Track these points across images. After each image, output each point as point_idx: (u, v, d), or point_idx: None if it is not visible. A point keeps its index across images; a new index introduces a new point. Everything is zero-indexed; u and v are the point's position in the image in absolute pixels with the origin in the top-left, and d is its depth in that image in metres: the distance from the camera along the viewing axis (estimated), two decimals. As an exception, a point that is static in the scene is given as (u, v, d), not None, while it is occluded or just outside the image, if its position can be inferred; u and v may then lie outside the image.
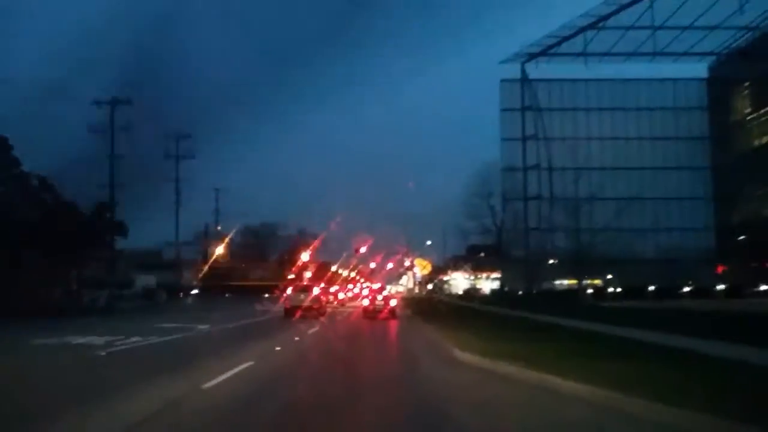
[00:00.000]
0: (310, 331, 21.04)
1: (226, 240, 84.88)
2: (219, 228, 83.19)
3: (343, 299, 48.55)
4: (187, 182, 59.84)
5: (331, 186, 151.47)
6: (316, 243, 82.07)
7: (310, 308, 32.12)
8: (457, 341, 14.77)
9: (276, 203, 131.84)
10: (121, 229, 41.46)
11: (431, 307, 40.58)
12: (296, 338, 17.80)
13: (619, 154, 63.14)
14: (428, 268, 40.10)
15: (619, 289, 53.30)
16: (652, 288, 53.44)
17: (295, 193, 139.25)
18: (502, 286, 57.78)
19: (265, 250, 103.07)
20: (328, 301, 39.11)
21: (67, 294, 40.88)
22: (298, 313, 30.82)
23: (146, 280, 58.64)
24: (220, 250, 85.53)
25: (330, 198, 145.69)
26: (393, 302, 34.71)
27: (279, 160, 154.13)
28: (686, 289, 52.78)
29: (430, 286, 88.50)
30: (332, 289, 47.22)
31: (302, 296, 32.75)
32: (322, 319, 31.08)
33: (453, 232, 61.58)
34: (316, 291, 33.70)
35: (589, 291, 51.01)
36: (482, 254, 78.40)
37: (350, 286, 63.27)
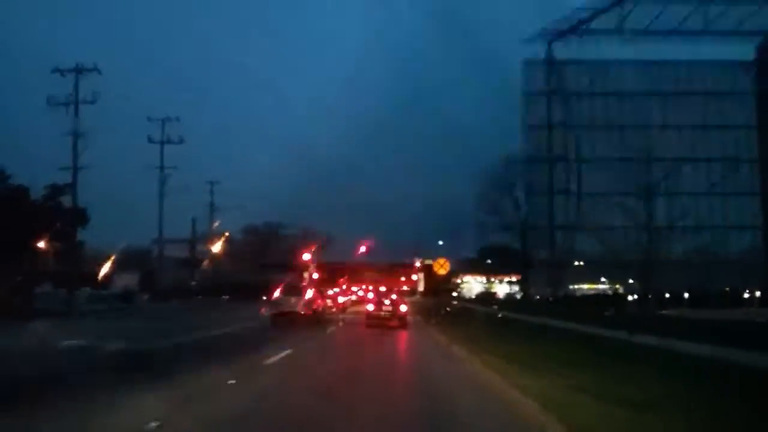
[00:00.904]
0: (270, 361, 12.84)
1: (223, 238, 77.98)
2: (217, 224, 76.31)
3: (344, 303, 40.59)
4: (178, 171, 52.74)
5: (337, 184, 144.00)
6: (316, 242, 74.76)
7: (301, 316, 24.76)
8: (552, 405, 7.14)
9: (281, 202, 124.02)
10: (79, 217, 34.06)
11: (448, 314, 33.01)
12: (231, 381, 9.80)
13: (655, 145, 55.05)
14: (446, 267, 31.94)
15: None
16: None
17: (300, 191, 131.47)
18: (524, 290, 49.76)
19: (268, 251, 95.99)
20: (325, 306, 31.39)
21: (14, 292, 33.56)
22: (289, 322, 23.59)
23: (126, 279, 51.18)
24: (217, 248, 78.74)
25: (336, 197, 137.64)
26: (403, 308, 27.75)
27: (281, 156, 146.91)
28: (746, 295, 44.58)
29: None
30: (332, 291, 39.42)
31: (292, 300, 25.25)
32: (315, 328, 23.71)
33: (470, 230, 53.61)
34: (309, 293, 26.03)
35: (630, 297, 42.85)
36: (489, 261, 70.68)
37: (354, 288, 55.57)
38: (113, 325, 22.96)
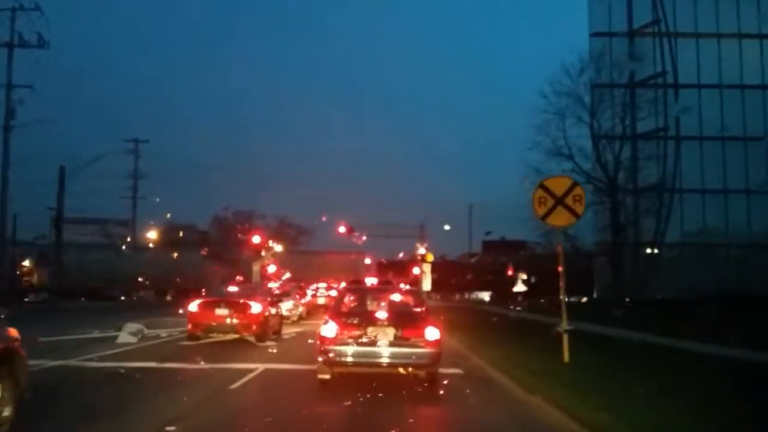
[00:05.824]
0: None
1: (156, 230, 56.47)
2: (157, 200, 55.21)
3: (261, 322, 13.75)
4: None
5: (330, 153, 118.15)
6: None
7: None
8: None
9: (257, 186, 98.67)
10: None
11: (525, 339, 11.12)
12: None
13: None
14: (580, 202, 10.11)
15: None
16: None
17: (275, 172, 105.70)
18: (620, 289, 26.62)
19: (241, 243, 74.51)
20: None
21: None
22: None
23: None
24: (152, 234, 56.75)
25: (328, 173, 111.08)
26: (431, 333, 6.86)
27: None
28: None
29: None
30: (233, 289, 14.55)
31: None
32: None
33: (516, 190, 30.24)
34: None
35: None
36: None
37: (317, 286, 32.17)
38: None
